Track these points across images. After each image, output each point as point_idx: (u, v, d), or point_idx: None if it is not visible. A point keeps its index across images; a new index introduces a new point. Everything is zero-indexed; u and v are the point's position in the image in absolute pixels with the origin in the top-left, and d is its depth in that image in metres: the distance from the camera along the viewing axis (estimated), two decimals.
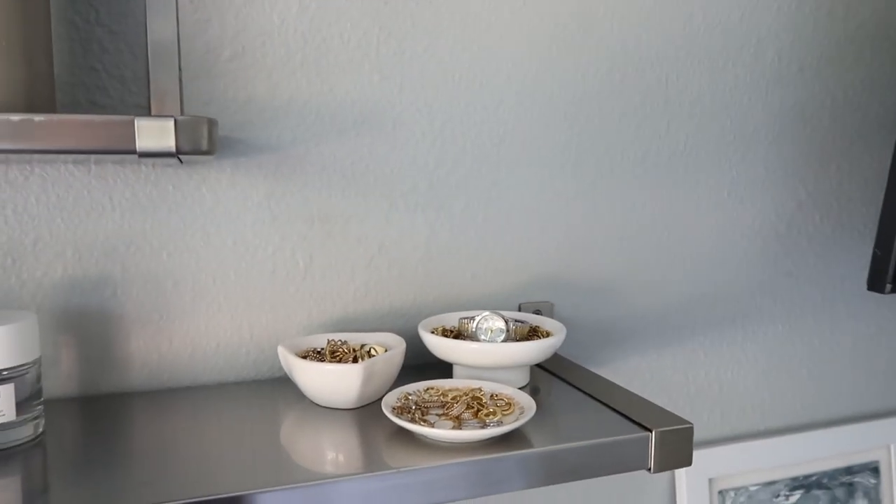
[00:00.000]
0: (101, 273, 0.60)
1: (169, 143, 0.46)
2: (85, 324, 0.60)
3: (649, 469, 0.53)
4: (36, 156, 0.56)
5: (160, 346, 0.62)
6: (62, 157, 0.57)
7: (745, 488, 0.88)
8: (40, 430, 0.52)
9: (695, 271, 0.82)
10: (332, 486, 0.45)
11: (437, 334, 0.62)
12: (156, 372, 0.62)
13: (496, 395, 0.56)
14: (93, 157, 0.57)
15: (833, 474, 0.93)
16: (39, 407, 0.52)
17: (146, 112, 0.58)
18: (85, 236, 0.59)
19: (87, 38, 0.57)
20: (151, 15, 0.54)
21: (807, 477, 0.91)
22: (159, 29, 0.55)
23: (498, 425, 0.50)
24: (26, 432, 0.50)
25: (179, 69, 0.55)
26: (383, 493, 0.46)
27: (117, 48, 0.58)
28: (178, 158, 0.51)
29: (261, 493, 0.44)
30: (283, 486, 0.44)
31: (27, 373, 0.50)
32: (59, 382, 0.60)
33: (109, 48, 0.58)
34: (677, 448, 0.53)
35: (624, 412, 0.56)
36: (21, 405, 0.50)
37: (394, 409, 0.53)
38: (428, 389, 0.57)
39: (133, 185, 0.59)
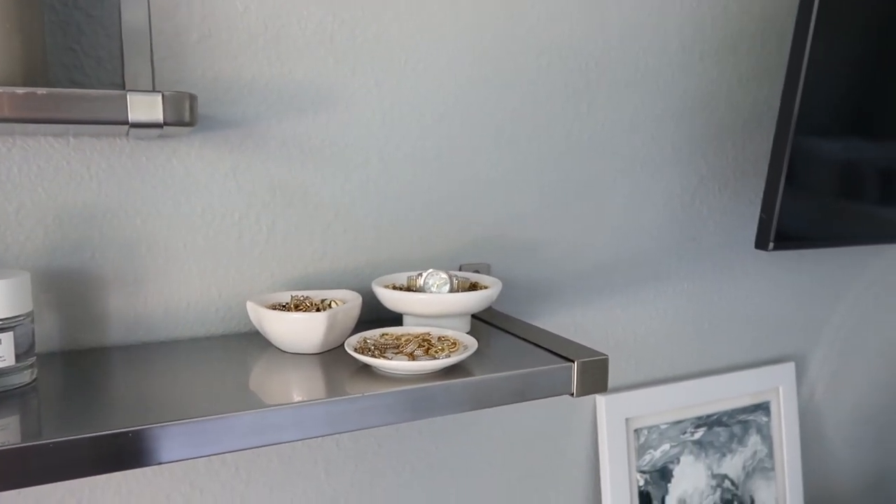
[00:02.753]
0: (80, 238, 0.65)
1: (157, 115, 0.52)
2: (66, 284, 0.65)
3: (572, 394, 0.63)
4: (18, 127, 0.61)
5: (136, 305, 0.68)
6: (42, 129, 0.61)
7: (657, 427, 0.98)
8: (34, 377, 0.57)
9: (612, 236, 0.92)
10: (298, 410, 0.52)
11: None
12: (132, 328, 0.68)
13: (443, 337, 0.65)
14: (71, 129, 0.62)
15: (731, 413, 1.03)
16: (33, 356, 0.57)
17: (120, 90, 0.64)
18: (65, 204, 0.64)
19: (65, 21, 0.62)
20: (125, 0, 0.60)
21: (709, 416, 1.01)
22: (132, 13, 0.61)
23: (447, 358, 0.59)
24: (23, 378, 0.56)
25: (151, 50, 0.61)
26: (349, 415, 0.54)
27: (93, 30, 0.63)
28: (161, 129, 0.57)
29: (236, 415, 0.50)
30: (255, 409, 0.51)
31: (23, 323, 0.55)
32: (42, 338, 0.64)
33: (86, 30, 0.63)
34: (595, 375, 0.63)
35: (550, 348, 0.66)
36: (18, 353, 0.55)
37: (355, 349, 0.61)
38: (383, 335, 0.65)
39: (109, 157, 0.65)
